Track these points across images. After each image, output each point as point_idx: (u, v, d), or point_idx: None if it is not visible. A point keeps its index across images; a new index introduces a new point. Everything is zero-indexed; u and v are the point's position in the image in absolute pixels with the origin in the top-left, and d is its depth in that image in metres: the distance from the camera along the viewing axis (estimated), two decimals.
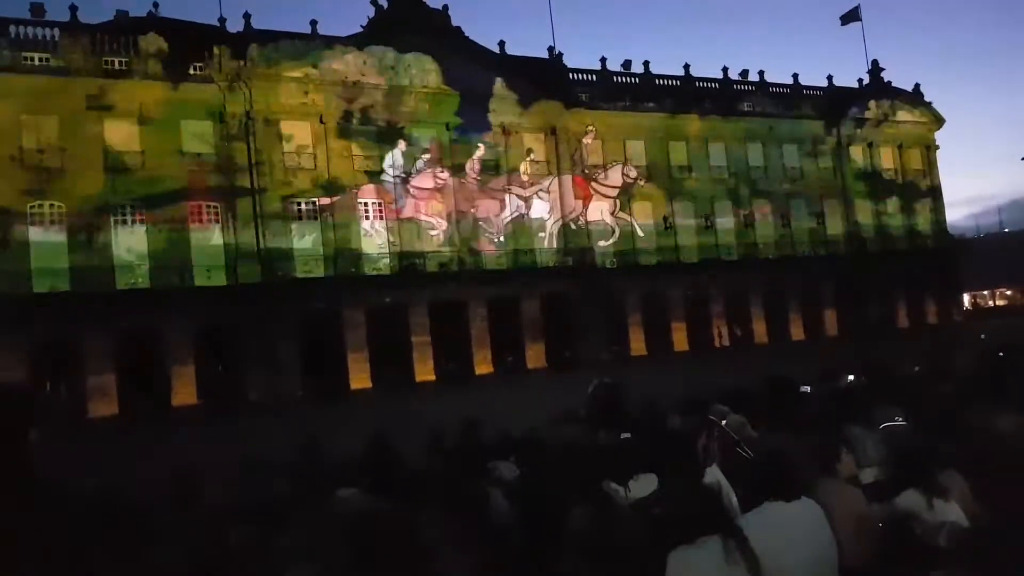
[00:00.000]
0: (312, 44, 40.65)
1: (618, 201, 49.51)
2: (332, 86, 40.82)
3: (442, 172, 43.74)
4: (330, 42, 41.29)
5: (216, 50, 38.34)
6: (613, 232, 49.15)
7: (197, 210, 37.88)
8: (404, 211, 42.63)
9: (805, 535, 4.20)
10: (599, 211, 48.85)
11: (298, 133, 40.24)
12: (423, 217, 43.20)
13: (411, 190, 42.89)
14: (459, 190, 44.21)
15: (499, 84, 45.30)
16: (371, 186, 41.87)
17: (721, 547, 3.80)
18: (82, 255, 34.81)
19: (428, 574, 3.02)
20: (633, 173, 49.91)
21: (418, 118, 43.23)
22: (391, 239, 42.04)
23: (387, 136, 42.41)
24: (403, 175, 42.65)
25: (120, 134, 36.14)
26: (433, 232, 43.33)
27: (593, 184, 48.80)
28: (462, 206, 44.19)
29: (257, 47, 38.88)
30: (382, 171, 42.17)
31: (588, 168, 48.67)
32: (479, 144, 45.01)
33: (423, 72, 43.11)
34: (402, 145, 42.84)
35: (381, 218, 42.14)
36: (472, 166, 44.98)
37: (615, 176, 49.64)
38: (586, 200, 48.40)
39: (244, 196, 38.56)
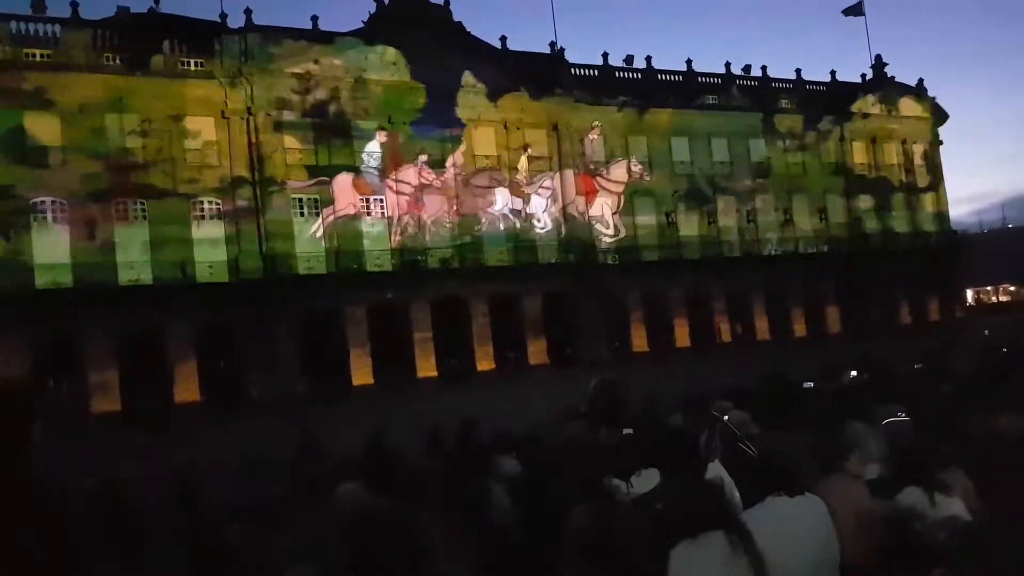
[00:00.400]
0: (303, 42, 40.56)
1: (622, 197, 49.50)
2: (328, 81, 40.80)
3: (429, 170, 43.59)
4: (328, 37, 41.26)
5: (218, 46, 38.37)
6: (617, 228, 49.15)
7: (199, 206, 38.03)
8: (398, 208, 42.55)
9: (808, 531, 4.18)
10: (601, 207, 48.84)
11: (296, 128, 40.30)
12: (421, 214, 43.17)
13: (401, 187, 42.72)
14: (452, 187, 44.06)
15: (500, 79, 45.17)
16: (360, 182, 41.83)
17: (724, 543, 3.79)
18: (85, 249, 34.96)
19: (429, 572, 3.01)
20: (638, 168, 49.91)
21: (406, 114, 43.01)
22: (392, 234, 42.09)
23: (364, 132, 42.19)
24: (382, 170, 42.40)
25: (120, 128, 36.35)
26: (429, 228, 43.34)
27: (598, 179, 48.81)
28: (453, 202, 44.05)
29: (244, 42, 38.76)
30: (360, 166, 41.93)
31: (593, 164, 48.71)
32: (462, 139, 44.74)
33: (411, 67, 42.77)
34: (382, 139, 42.47)
35: (382, 214, 42.19)
36: (465, 161, 44.78)
37: (619, 172, 49.63)
38: (590, 196, 48.34)
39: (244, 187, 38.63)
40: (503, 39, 46.07)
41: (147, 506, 5.21)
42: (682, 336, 48.71)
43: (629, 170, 49.75)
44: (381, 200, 42.28)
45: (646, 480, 5.48)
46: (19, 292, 32.09)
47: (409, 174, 42.96)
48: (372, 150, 42.22)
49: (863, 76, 61.06)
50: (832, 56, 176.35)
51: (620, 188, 49.60)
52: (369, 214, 41.93)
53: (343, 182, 41.22)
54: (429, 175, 43.50)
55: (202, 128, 38.10)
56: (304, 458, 6.98)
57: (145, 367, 34.11)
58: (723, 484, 4.87)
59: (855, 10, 55.37)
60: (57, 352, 32.41)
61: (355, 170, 41.54)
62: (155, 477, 6.11)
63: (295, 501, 5.17)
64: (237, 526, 4.23)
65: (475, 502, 4.74)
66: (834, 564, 4.20)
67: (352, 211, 41.29)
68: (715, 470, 5.61)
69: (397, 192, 42.55)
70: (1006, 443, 5.17)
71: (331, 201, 40.67)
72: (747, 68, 56.39)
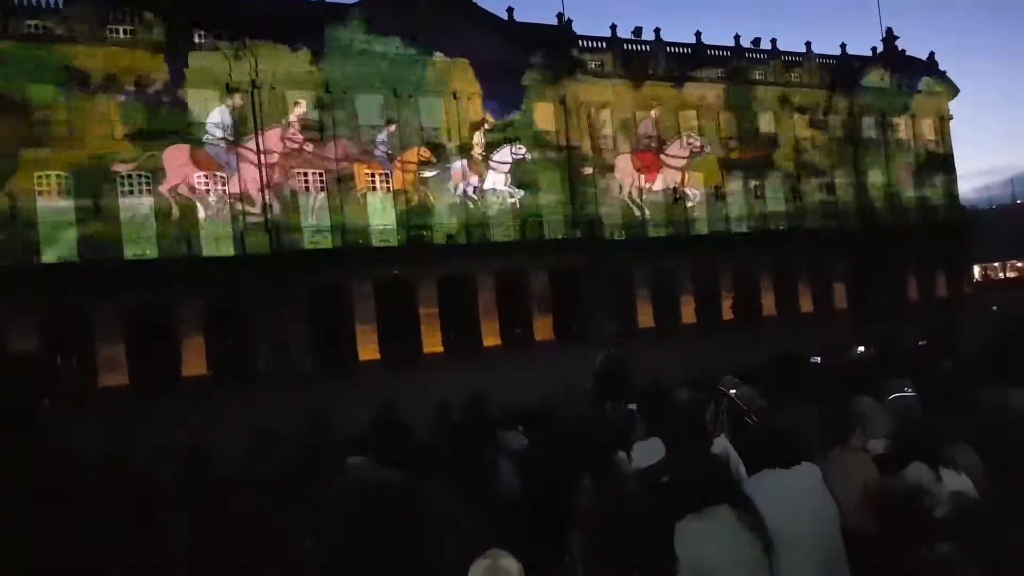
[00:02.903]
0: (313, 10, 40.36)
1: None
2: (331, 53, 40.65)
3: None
4: (333, 10, 41.04)
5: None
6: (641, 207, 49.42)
7: (206, 179, 38.09)
8: (404, 183, 42.51)
9: (804, 500, 4.19)
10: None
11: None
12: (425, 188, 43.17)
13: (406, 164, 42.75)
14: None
15: (505, 52, 44.82)
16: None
17: (730, 516, 3.80)
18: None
19: (436, 545, 3.03)
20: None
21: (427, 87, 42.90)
22: (398, 209, 42.12)
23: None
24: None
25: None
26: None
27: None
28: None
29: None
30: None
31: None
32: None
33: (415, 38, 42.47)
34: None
35: (388, 188, 42.22)
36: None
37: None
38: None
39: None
40: (510, 10, 45.63)
41: (156, 477, 5.25)
42: (688, 312, 48.65)
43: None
44: (387, 175, 42.20)
45: (649, 453, 5.49)
46: (24, 267, 32.31)
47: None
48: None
49: (873, 50, 60.44)
50: (842, 27, 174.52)
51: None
52: (375, 189, 41.89)
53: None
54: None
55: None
56: (312, 432, 7.02)
57: (153, 341, 34.34)
58: (728, 458, 4.88)
59: None
60: (65, 326, 32.57)
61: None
62: (163, 448, 6.15)
63: (302, 474, 5.20)
64: (246, 498, 4.26)
65: (482, 476, 4.76)
66: (834, 532, 4.21)
67: (359, 185, 41.34)
68: (721, 445, 5.63)
69: (403, 170, 42.47)
70: (1015, 419, 5.17)
71: (337, 176, 40.66)
72: (756, 41, 55.83)
